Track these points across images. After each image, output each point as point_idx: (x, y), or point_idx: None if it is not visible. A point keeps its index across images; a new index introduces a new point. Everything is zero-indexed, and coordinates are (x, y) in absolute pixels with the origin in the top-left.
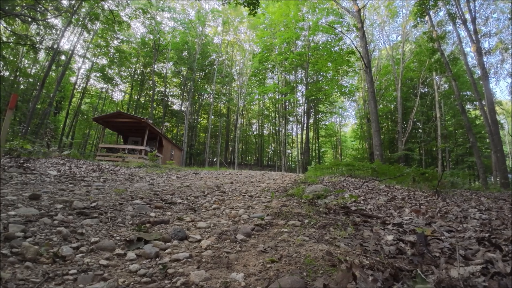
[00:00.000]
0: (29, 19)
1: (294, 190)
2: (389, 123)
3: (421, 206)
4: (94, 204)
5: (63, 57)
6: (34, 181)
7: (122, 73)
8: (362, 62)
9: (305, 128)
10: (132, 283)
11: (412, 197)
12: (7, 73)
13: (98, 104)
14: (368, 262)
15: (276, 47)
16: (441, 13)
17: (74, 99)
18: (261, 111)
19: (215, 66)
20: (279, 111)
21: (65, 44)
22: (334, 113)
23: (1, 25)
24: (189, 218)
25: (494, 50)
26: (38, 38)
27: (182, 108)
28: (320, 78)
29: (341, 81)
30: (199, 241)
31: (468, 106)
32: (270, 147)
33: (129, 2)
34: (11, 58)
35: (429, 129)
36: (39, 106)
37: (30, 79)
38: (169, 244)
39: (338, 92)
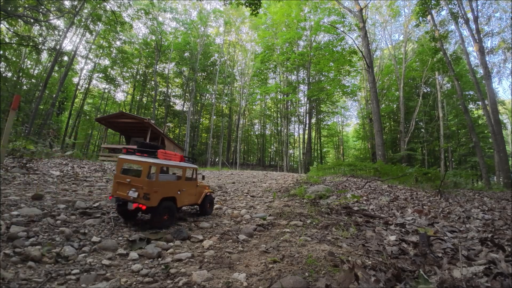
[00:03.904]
0: (32, 20)
1: (296, 190)
2: (392, 123)
3: (424, 206)
4: (96, 204)
5: (65, 58)
6: (37, 181)
7: (124, 73)
8: (364, 61)
9: (307, 128)
10: (134, 283)
11: (415, 197)
12: (9, 74)
13: (100, 104)
14: (370, 262)
15: (278, 47)
16: (443, 13)
17: (76, 100)
18: (263, 111)
19: (217, 67)
20: (281, 111)
21: (67, 45)
22: (336, 113)
23: (3, 26)
24: (191, 218)
25: (497, 49)
26: (40, 39)
27: (184, 109)
28: (322, 78)
29: (343, 81)
30: (201, 241)
31: (470, 105)
32: (272, 147)
33: (131, 3)
34: (14, 59)
35: (431, 129)
36: (41, 107)
37: (33, 80)
38: (171, 244)
39: (340, 92)
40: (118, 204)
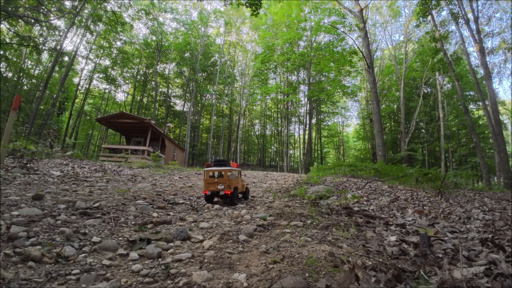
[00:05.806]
0: (32, 21)
1: (297, 190)
2: (392, 123)
3: (424, 207)
4: (97, 204)
5: (66, 58)
6: (37, 181)
7: (124, 74)
8: (365, 62)
9: (307, 128)
10: (134, 283)
11: (415, 197)
12: (10, 74)
13: (101, 105)
14: (370, 263)
15: (278, 47)
16: (444, 13)
17: (77, 100)
18: (263, 112)
19: (217, 67)
20: (281, 111)
21: (68, 45)
22: (337, 114)
23: (4, 26)
24: (192, 218)
25: (497, 49)
26: (41, 39)
27: (185, 109)
28: (323, 79)
29: (344, 81)
30: (202, 241)
31: (471, 106)
32: (272, 147)
33: (131, 3)
34: (14, 59)
35: (432, 129)
36: (42, 107)
37: (33, 80)
38: (171, 244)
39: (341, 92)
40: (207, 195)
